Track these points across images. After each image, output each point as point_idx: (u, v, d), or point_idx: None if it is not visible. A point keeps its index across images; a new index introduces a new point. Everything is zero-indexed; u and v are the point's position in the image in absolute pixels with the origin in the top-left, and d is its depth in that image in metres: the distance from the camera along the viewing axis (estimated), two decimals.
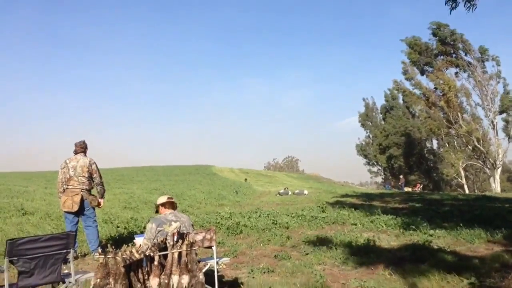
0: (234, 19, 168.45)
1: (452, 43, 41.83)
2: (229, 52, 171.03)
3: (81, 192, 8.02)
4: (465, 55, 42.12)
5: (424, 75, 44.48)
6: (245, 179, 22.51)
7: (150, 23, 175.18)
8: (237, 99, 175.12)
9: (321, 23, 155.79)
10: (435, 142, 54.58)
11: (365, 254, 7.84)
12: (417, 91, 45.53)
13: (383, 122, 58.94)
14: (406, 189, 38.76)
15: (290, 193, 24.05)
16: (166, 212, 5.51)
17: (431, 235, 9.31)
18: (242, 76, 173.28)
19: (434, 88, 43.10)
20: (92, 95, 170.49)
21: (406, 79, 45.63)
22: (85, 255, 8.33)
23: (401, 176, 44.63)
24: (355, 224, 11.20)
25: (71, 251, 4.67)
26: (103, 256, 3.90)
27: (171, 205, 5.61)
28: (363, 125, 61.60)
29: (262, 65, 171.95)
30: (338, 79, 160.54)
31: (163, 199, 5.63)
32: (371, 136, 60.73)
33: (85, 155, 8.30)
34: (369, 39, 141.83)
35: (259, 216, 12.96)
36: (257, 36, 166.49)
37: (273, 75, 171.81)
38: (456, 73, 42.43)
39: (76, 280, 4.68)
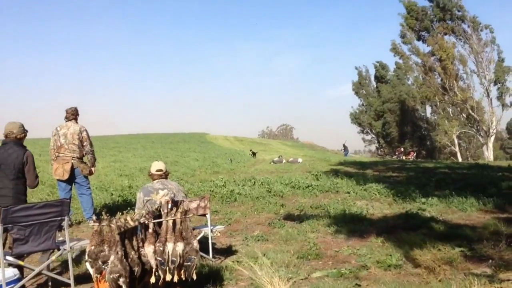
0: None
1: (449, 8, 41.40)
2: (222, 15, 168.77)
3: (72, 160, 7.95)
4: (462, 22, 41.77)
5: (421, 41, 44.13)
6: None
7: None
8: (230, 64, 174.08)
9: None
10: (428, 109, 54.66)
11: (358, 222, 7.92)
12: (413, 57, 45.25)
13: (377, 90, 58.85)
14: (395, 157, 39.06)
15: (284, 161, 24.13)
16: (154, 181, 5.56)
17: (423, 203, 9.39)
18: (235, 39, 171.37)
19: (431, 53, 42.79)
20: (85, 59, 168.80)
21: (404, 43, 45.20)
22: (79, 222, 8.37)
23: (398, 148, 44.74)
24: (349, 193, 11.27)
25: (66, 218, 4.67)
26: (97, 224, 3.90)
27: (160, 176, 5.64)
28: (356, 93, 61.45)
29: (256, 28, 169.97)
30: (331, 42, 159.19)
31: (152, 169, 5.66)
32: (365, 104, 60.66)
33: (76, 122, 8.18)
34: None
35: (254, 184, 13.01)
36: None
37: (267, 38, 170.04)
38: (454, 41, 42.12)
39: (71, 247, 4.70)
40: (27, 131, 5.63)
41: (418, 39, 44.28)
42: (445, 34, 41.91)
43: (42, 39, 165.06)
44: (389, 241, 6.52)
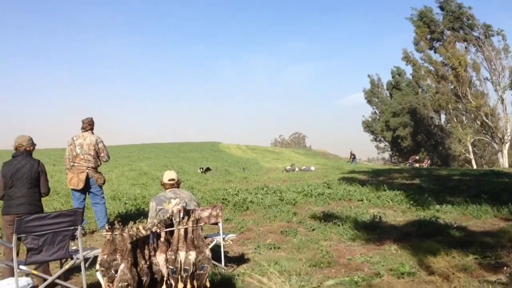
0: None
1: (458, 17, 41.17)
2: (233, 28, 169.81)
3: (87, 170, 8.05)
4: (472, 30, 41.48)
5: (432, 50, 43.90)
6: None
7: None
8: (241, 75, 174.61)
9: None
10: (443, 117, 54.21)
11: (371, 230, 7.87)
12: (426, 65, 44.98)
13: (389, 98, 58.50)
14: (408, 165, 38.74)
15: (297, 169, 24.04)
16: (166, 190, 5.61)
17: (438, 211, 9.33)
18: (245, 52, 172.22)
19: (443, 62, 42.52)
20: (99, 72, 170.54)
21: (417, 50, 44.93)
22: (93, 231, 8.43)
23: (412, 156, 44.34)
24: (362, 200, 11.21)
25: (79, 227, 4.71)
26: (110, 233, 3.92)
27: (172, 185, 5.67)
28: (369, 101, 61.15)
29: (266, 41, 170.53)
30: (342, 53, 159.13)
31: (165, 178, 5.70)
32: (377, 112, 60.36)
33: (92, 133, 8.30)
34: (376, 11, 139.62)
35: (266, 192, 13.00)
36: (260, 12, 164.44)
37: (278, 50, 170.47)
38: (466, 47, 41.79)
39: (84, 257, 4.74)
40: (35, 144, 5.83)
41: (430, 49, 44.07)
42: (457, 41, 41.64)
43: (60, 52, 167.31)
44: (402, 248, 6.48)
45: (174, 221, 4.21)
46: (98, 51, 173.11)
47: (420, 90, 54.05)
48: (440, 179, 15.46)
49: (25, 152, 5.60)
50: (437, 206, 9.69)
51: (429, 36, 43.58)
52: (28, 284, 4.48)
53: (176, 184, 5.76)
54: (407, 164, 39.14)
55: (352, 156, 42.76)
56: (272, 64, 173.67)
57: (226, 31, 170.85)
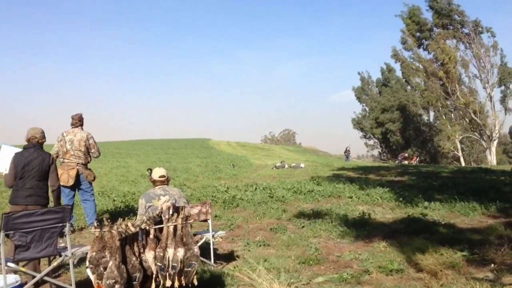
0: None
1: (448, 14, 41.43)
2: (223, 23, 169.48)
3: (77, 167, 7.99)
4: (462, 27, 41.77)
5: (421, 48, 44.17)
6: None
7: None
8: (232, 71, 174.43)
9: None
10: (431, 114, 54.55)
11: (360, 227, 7.91)
12: (415, 63, 45.19)
13: (379, 95, 58.75)
14: (396, 162, 38.95)
15: (286, 166, 24.07)
16: (156, 187, 5.59)
17: (426, 208, 9.39)
18: (236, 48, 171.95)
19: (434, 58, 42.74)
20: (85, 67, 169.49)
21: (405, 49, 45.19)
22: (82, 228, 8.38)
23: (402, 153, 44.58)
24: (351, 197, 11.25)
25: (68, 224, 4.68)
26: (99, 230, 3.91)
27: (162, 182, 5.67)
28: (358, 98, 61.40)
29: (256, 37, 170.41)
30: (334, 50, 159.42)
31: (155, 175, 5.68)
32: (367, 109, 60.61)
33: (82, 129, 8.25)
34: (365, 7, 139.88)
35: (256, 189, 13.00)
36: (250, 7, 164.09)
37: (267, 47, 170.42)
38: (456, 45, 42.07)
39: (72, 253, 4.71)
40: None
41: (419, 46, 44.32)
42: (447, 39, 41.89)
43: (48, 46, 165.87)
44: (391, 245, 6.52)
45: (163, 218, 4.20)
46: (86, 45, 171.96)
47: (409, 87, 54.39)
48: (429, 177, 15.57)
49: (37, 144, 5.68)
50: (426, 204, 9.75)
51: (418, 34, 43.86)
52: (16, 281, 4.45)
53: (166, 181, 5.75)
54: (396, 161, 39.33)
55: (347, 153, 42.94)
56: (263, 60, 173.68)
57: (218, 26, 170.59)
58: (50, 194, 5.90)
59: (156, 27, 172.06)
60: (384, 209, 9.85)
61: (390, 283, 4.90)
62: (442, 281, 4.80)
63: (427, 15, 43.48)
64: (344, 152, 43.58)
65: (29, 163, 5.53)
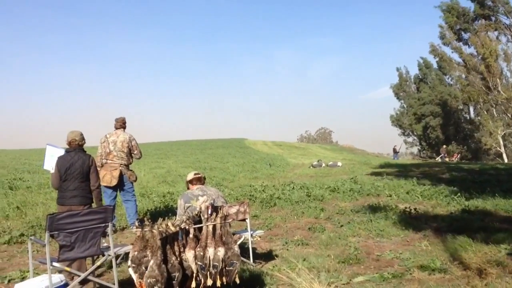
0: None
1: (491, 4, 40.16)
2: (255, 24, 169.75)
3: (120, 167, 8.18)
4: (507, 18, 40.39)
5: (461, 42, 42.99)
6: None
7: None
8: (266, 71, 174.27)
9: None
10: (471, 110, 53.12)
11: (400, 226, 7.79)
12: (455, 57, 44.05)
13: (417, 92, 57.54)
14: (437, 159, 38.07)
15: (323, 165, 23.91)
16: (193, 188, 5.66)
17: (468, 206, 9.16)
18: (269, 48, 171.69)
19: (473, 53, 41.56)
20: (121, 69, 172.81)
21: (444, 43, 44.10)
22: (123, 228, 8.55)
23: (444, 146, 43.58)
24: (390, 196, 11.10)
25: (110, 224, 4.79)
26: (140, 229, 3.97)
27: (199, 180, 5.76)
28: (397, 95, 60.32)
29: (288, 36, 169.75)
30: (367, 46, 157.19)
31: (190, 176, 5.77)
32: (405, 106, 59.48)
33: (124, 131, 8.45)
34: (400, 2, 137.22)
35: (293, 188, 12.97)
36: (284, 7, 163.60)
37: (302, 45, 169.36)
38: (497, 37, 40.75)
39: (115, 253, 4.81)
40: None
41: (459, 40, 43.15)
42: (487, 31, 40.62)
43: (90, 50, 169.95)
44: (433, 244, 6.40)
45: (202, 218, 4.25)
46: (123, 47, 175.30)
47: (448, 82, 53.11)
48: (470, 173, 15.19)
49: (77, 147, 5.92)
50: (468, 201, 9.53)
51: (458, 27, 42.69)
52: (61, 281, 4.56)
53: (202, 180, 5.82)
54: (440, 157, 38.38)
55: (396, 151, 42.40)
56: (296, 59, 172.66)
57: (250, 26, 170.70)
58: None
59: (189, 30, 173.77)
60: (425, 207, 9.67)
61: (433, 282, 4.80)
62: (487, 280, 4.68)
63: (467, 4, 42.30)
64: (394, 151, 43.22)
65: (71, 166, 5.77)
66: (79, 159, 5.83)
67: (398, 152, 42.54)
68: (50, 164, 6.37)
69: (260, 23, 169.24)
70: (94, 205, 6.03)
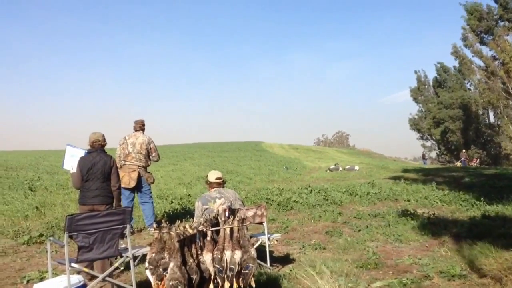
0: None
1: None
2: (272, 27, 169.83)
3: (138, 169, 8.22)
4: None
5: (484, 45, 42.43)
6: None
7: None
8: (283, 74, 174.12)
9: None
10: (491, 114, 52.37)
11: (419, 231, 7.70)
12: (476, 60, 43.51)
13: (436, 96, 56.91)
14: (457, 163, 37.54)
15: (340, 168, 23.81)
16: (211, 190, 5.65)
17: (488, 211, 9.02)
18: (286, 52, 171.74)
19: (494, 57, 41.00)
20: (137, 72, 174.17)
21: (465, 46, 43.56)
22: (141, 230, 8.60)
23: (463, 151, 42.99)
24: (409, 200, 10.99)
25: (128, 226, 4.81)
26: (158, 231, 3.98)
27: (218, 184, 5.73)
28: (415, 99, 59.73)
29: (305, 39, 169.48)
30: (385, 51, 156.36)
31: (211, 177, 5.75)
32: (424, 110, 58.88)
33: (143, 133, 8.50)
34: (420, 6, 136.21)
35: (310, 192, 12.92)
36: (301, 11, 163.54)
37: (319, 48, 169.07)
38: None
39: (132, 255, 4.83)
40: None
41: (481, 43, 42.62)
42: (507, 35, 40.00)
43: (103, 56, 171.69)
44: (452, 250, 6.31)
45: (219, 221, 4.24)
46: (139, 50, 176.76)
47: (468, 86, 52.49)
48: (490, 178, 14.96)
49: (99, 148, 6.05)
50: (488, 207, 9.39)
51: (480, 29, 42.16)
52: (80, 282, 4.59)
53: (222, 184, 5.81)
54: (460, 162, 37.81)
55: (425, 158, 42.53)
56: (314, 63, 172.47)
57: (267, 30, 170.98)
58: None
59: (207, 33, 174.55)
60: (444, 212, 9.55)
61: None
62: (507, 287, 4.59)
63: (490, 5, 41.75)
64: (423, 157, 43.44)
65: (93, 166, 5.89)
66: (100, 160, 5.95)
67: (427, 158, 42.35)
68: (69, 164, 6.47)
69: (277, 27, 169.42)
70: (113, 205, 6.08)
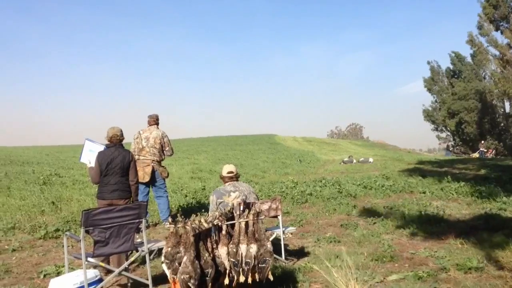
0: None
1: None
2: (287, 19, 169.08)
3: (152, 164, 8.24)
4: None
5: (499, 31, 41.72)
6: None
7: None
8: (296, 66, 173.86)
9: None
10: (507, 105, 51.66)
11: (435, 223, 7.65)
12: (491, 49, 42.85)
13: (450, 86, 56.25)
14: (474, 155, 37.07)
15: (354, 161, 23.73)
16: (226, 184, 5.65)
17: (504, 203, 8.94)
18: (300, 44, 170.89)
19: (509, 45, 40.34)
20: (157, 69, 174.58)
21: (481, 34, 42.93)
22: (156, 224, 8.64)
23: (482, 142, 42.41)
24: (424, 193, 10.91)
25: (143, 220, 4.84)
26: (173, 225, 3.99)
27: (231, 178, 5.71)
28: (429, 89, 59.07)
29: (319, 31, 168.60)
30: (398, 41, 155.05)
31: (224, 171, 5.74)
32: (438, 100, 58.26)
33: (158, 128, 8.52)
34: None
35: (324, 185, 12.89)
36: (313, 2, 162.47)
37: (332, 40, 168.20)
38: None
39: (148, 249, 4.86)
40: None
41: (497, 29, 41.92)
42: None
43: (119, 50, 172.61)
44: (468, 242, 6.25)
45: (234, 214, 4.24)
46: (153, 45, 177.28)
47: (483, 75, 51.80)
48: (507, 170, 14.79)
49: (118, 143, 6.08)
50: (504, 198, 9.29)
51: (495, 16, 41.44)
52: (96, 276, 4.64)
53: (235, 177, 5.80)
54: (477, 153, 37.31)
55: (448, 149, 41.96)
56: (327, 54, 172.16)
57: (279, 22, 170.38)
58: None
59: (221, 26, 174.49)
60: (460, 204, 9.47)
61: (469, 281, 4.69)
62: None
63: None
64: (447, 148, 42.93)
65: (112, 161, 5.92)
66: (119, 155, 5.98)
67: (451, 149, 41.88)
68: (87, 158, 6.53)
69: (291, 19, 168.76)
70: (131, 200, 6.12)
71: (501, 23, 41.03)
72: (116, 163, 5.94)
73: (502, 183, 11.46)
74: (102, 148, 6.41)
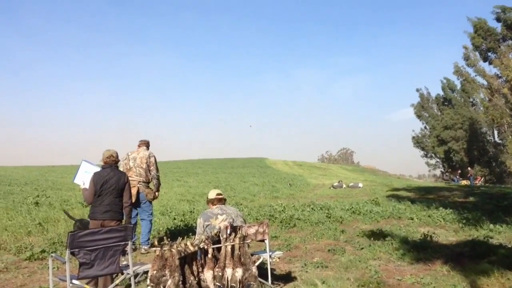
0: (283, 7, 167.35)
1: None
2: (279, 42, 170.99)
3: (138, 185, 8.18)
4: None
5: (487, 62, 42.44)
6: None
7: (202, 13, 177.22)
8: (288, 90, 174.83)
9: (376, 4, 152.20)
10: (496, 133, 52.24)
11: (422, 250, 7.66)
12: (479, 79, 43.52)
13: (439, 113, 56.90)
14: (463, 182, 37.29)
15: (344, 186, 23.78)
16: (213, 207, 5.68)
17: (491, 230, 9.00)
18: (291, 67, 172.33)
19: (497, 74, 41.00)
20: (142, 85, 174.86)
21: (468, 65, 43.64)
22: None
23: (469, 168, 42.79)
24: (412, 219, 10.96)
25: (129, 243, 4.82)
26: (159, 248, 4.00)
27: (219, 201, 5.76)
28: (419, 116, 59.70)
29: (311, 55, 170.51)
30: (390, 67, 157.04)
31: (211, 195, 5.78)
32: (427, 127, 58.83)
33: (147, 149, 8.51)
34: (424, 23, 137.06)
35: (313, 209, 12.90)
36: (306, 25, 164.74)
37: (325, 64, 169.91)
38: None
39: (134, 272, 4.83)
40: None
41: (485, 60, 42.66)
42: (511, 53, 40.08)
43: (108, 65, 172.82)
44: (455, 269, 6.27)
45: (221, 238, 4.25)
46: (143, 63, 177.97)
47: (471, 104, 52.48)
48: (494, 197, 14.91)
49: (113, 164, 6.15)
50: (491, 226, 9.35)
51: (483, 46, 42.20)
52: None
53: (223, 200, 5.83)
54: (466, 180, 37.47)
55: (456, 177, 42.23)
56: (319, 78, 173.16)
57: (272, 44, 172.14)
58: None
59: (212, 47, 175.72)
60: (447, 231, 9.52)
61: None
62: None
63: (494, 24, 41.84)
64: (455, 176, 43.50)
65: (106, 182, 5.96)
66: (114, 176, 6.04)
67: (458, 177, 42.09)
68: (81, 179, 6.57)
69: (282, 41, 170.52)
70: (123, 221, 6.12)
71: (489, 53, 41.78)
72: (111, 184, 5.98)
73: (489, 211, 11.54)
74: (98, 169, 6.46)
